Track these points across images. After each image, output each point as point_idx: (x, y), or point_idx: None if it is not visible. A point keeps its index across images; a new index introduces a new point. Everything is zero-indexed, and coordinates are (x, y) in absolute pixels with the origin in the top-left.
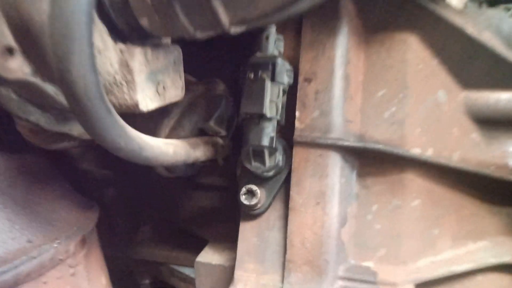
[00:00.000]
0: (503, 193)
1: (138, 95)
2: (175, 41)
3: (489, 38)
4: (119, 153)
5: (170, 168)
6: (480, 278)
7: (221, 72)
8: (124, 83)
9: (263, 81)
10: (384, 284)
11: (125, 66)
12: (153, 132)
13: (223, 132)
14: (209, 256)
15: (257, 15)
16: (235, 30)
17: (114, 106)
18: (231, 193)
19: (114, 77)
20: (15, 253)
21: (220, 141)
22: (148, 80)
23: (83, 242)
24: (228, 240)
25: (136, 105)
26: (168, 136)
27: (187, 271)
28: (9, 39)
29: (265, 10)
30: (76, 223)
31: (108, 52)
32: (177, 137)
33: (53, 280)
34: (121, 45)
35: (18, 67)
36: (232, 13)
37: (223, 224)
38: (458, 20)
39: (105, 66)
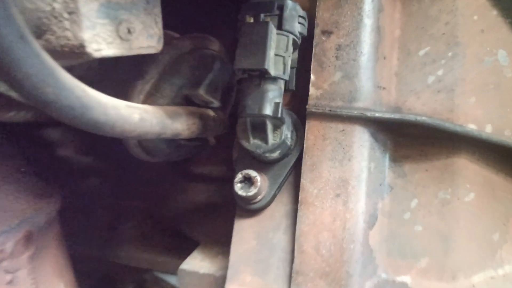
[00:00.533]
0: None
1: (85, 32)
2: None
3: None
4: (48, 108)
5: (148, 147)
6: None
7: (217, 27)
8: (65, 14)
9: (265, 26)
10: None
11: None
12: (124, 99)
13: (216, 103)
14: (197, 263)
15: None
16: None
17: (54, 49)
18: (232, 186)
19: (52, 6)
20: None
21: (211, 113)
22: (103, 14)
23: (28, 239)
24: (223, 243)
25: (82, 46)
26: (144, 103)
27: (175, 280)
28: None
29: None
30: (19, 215)
31: None
32: (155, 105)
33: None
34: None
35: None
36: None
37: (219, 223)
38: None
39: None
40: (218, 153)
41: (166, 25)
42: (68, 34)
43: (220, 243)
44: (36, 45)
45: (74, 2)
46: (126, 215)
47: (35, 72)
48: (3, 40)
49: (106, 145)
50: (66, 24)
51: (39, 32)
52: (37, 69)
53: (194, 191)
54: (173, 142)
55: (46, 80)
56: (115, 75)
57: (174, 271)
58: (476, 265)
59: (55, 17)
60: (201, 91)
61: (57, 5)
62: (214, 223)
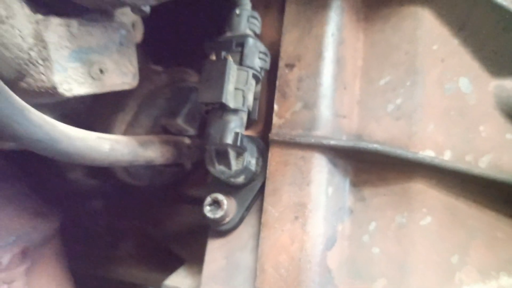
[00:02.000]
0: None
1: (56, 76)
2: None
3: None
4: (21, 143)
5: (131, 173)
6: None
7: (198, 63)
8: (40, 60)
9: (224, 63)
10: None
11: (40, 40)
12: (107, 130)
13: (192, 131)
14: (179, 280)
15: None
16: None
17: (33, 91)
18: None
19: (29, 54)
20: None
21: (186, 140)
22: (74, 58)
23: (24, 254)
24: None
25: (54, 88)
26: (125, 134)
27: None
28: None
29: None
30: (16, 232)
31: (15, 21)
32: (134, 134)
33: None
34: (38, 16)
35: None
36: None
37: (205, 242)
38: None
39: (14, 38)
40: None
41: (153, 57)
42: (43, 77)
43: (201, 261)
44: (6, 89)
45: (46, 51)
46: (125, 235)
47: (6, 113)
48: None
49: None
50: (41, 69)
51: (21, 76)
52: (7, 110)
53: (186, 212)
54: (152, 167)
55: (16, 119)
56: (99, 108)
57: None
58: (432, 287)
59: (32, 63)
60: (179, 121)
61: (33, 53)
62: (200, 243)
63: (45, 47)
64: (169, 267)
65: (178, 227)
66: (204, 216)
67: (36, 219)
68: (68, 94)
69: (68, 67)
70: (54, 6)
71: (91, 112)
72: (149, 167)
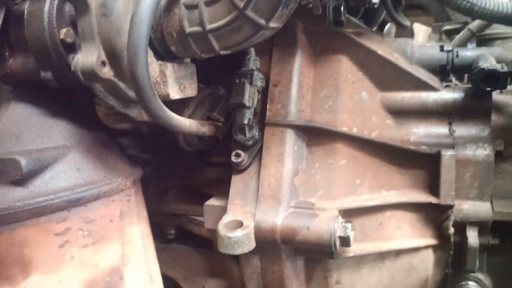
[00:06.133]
0: (408, 159)
1: (169, 89)
2: (192, 60)
3: (396, 57)
4: (158, 119)
5: (188, 141)
6: (388, 213)
7: (222, 81)
8: (161, 82)
9: (243, 84)
10: (318, 210)
11: (162, 73)
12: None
13: (222, 119)
14: (213, 201)
15: (234, 44)
16: (223, 52)
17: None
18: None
19: (156, 79)
20: (98, 180)
21: (220, 124)
22: (175, 82)
23: (134, 182)
24: (226, 196)
25: (168, 95)
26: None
27: (200, 219)
28: (103, 56)
29: (237, 41)
30: (129, 171)
31: (153, 65)
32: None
33: (117, 200)
34: (160, 62)
35: (108, 72)
36: (220, 42)
37: (224, 188)
38: (373, 46)
39: (152, 72)
40: (223, 152)
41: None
42: (162, 90)
43: (225, 194)
44: (157, 97)
45: (165, 78)
46: (170, 187)
47: (157, 106)
48: (148, 95)
49: (158, 147)
50: (162, 86)
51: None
52: (157, 104)
53: (210, 171)
54: (200, 138)
55: (159, 108)
56: (176, 107)
57: (200, 214)
58: (345, 194)
59: (157, 84)
60: (215, 114)
61: (158, 79)
62: (221, 187)
63: (165, 77)
64: (202, 202)
65: (203, 180)
66: (231, 161)
67: (135, 167)
68: (173, 98)
69: (173, 86)
70: (167, 57)
71: (173, 110)
72: (198, 138)
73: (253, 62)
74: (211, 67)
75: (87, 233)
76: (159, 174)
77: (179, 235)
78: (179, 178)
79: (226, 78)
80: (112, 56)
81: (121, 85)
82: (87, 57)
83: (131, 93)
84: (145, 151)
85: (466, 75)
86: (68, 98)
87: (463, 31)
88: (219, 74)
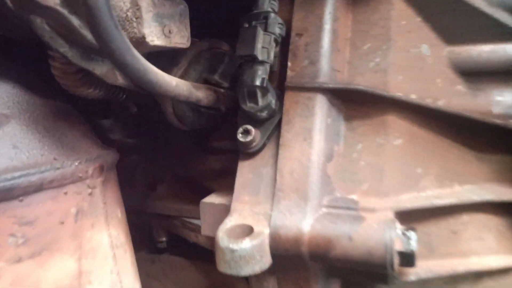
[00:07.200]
0: (489, 140)
1: (145, 29)
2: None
3: None
4: (126, 69)
5: (179, 114)
6: (465, 217)
7: (227, 38)
8: (134, 19)
9: (255, 28)
10: (364, 210)
11: (135, 5)
12: None
13: (226, 84)
14: (213, 198)
15: None
16: None
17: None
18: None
19: (127, 14)
20: (43, 163)
21: (222, 90)
22: (155, 20)
23: (101, 169)
24: (231, 189)
25: (143, 37)
26: None
27: (197, 222)
28: None
29: None
30: (95, 154)
31: None
32: None
33: (72, 193)
34: None
35: None
36: None
37: (229, 179)
38: None
39: (119, 3)
40: (228, 135)
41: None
42: (136, 30)
43: (230, 189)
44: (123, 33)
45: (139, 11)
46: (160, 179)
47: (122, 45)
48: (107, 27)
49: (145, 131)
50: (134, 24)
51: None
52: (122, 43)
53: (211, 160)
54: (196, 110)
55: (126, 50)
56: (161, 63)
57: (196, 216)
58: (403, 188)
59: (128, 21)
60: (216, 77)
61: (129, 13)
62: (225, 180)
63: (138, 10)
64: (198, 201)
65: (204, 171)
66: (237, 140)
67: (107, 150)
68: (151, 44)
69: (152, 25)
70: None
71: (156, 66)
72: (193, 110)
73: (269, 2)
74: (212, 18)
75: (22, 240)
76: (146, 163)
77: (172, 243)
78: (171, 168)
79: (232, 34)
80: None
81: (75, 20)
82: None
83: (91, 36)
84: (131, 135)
85: None
86: (19, 53)
87: None
88: (223, 28)
